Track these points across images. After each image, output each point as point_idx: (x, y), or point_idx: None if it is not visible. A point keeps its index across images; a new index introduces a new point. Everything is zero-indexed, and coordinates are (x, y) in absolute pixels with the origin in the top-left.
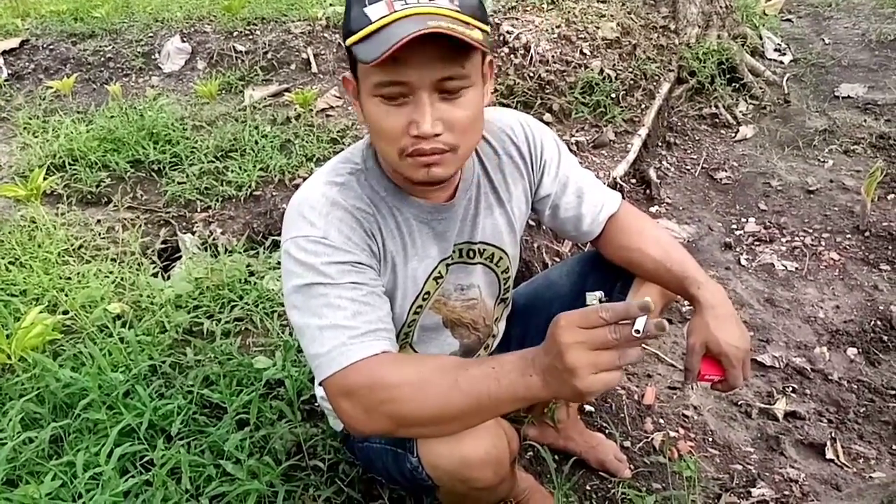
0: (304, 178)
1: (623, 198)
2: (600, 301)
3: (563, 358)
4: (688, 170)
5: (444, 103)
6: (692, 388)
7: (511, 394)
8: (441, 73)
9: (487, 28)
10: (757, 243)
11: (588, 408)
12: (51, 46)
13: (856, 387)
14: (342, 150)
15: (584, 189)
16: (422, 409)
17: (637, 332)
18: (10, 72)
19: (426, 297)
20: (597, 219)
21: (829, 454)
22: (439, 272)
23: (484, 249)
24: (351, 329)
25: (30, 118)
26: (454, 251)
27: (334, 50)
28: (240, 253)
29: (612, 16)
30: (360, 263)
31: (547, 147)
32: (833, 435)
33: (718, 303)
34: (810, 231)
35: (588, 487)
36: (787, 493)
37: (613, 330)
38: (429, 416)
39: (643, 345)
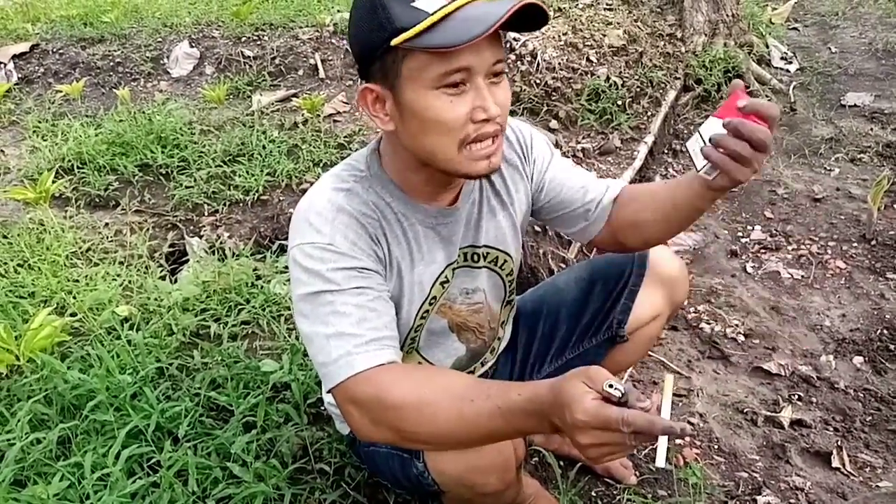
0: (311, 183)
1: None
2: (619, 398)
3: (578, 447)
4: None
5: (493, 87)
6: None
7: (519, 431)
8: (495, 55)
9: None
10: (763, 251)
11: None
12: (60, 51)
13: (862, 395)
14: (349, 155)
15: (586, 181)
16: (426, 432)
17: (660, 467)
18: (20, 76)
19: (433, 301)
20: (602, 202)
21: (836, 463)
22: (445, 277)
23: (488, 253)
24: (356, 337)
25: (39, 122)
26: (459, 255)
27: (342, 56)
28: (247, 257)
29: (618, 23)
30: (365, 269)
31: (537, 146)
32: (839, 443)
33: None
34: (816, 239)
35: (593, 493)
36: (792, 501)
37: (632, 438)
38: (433, 440)
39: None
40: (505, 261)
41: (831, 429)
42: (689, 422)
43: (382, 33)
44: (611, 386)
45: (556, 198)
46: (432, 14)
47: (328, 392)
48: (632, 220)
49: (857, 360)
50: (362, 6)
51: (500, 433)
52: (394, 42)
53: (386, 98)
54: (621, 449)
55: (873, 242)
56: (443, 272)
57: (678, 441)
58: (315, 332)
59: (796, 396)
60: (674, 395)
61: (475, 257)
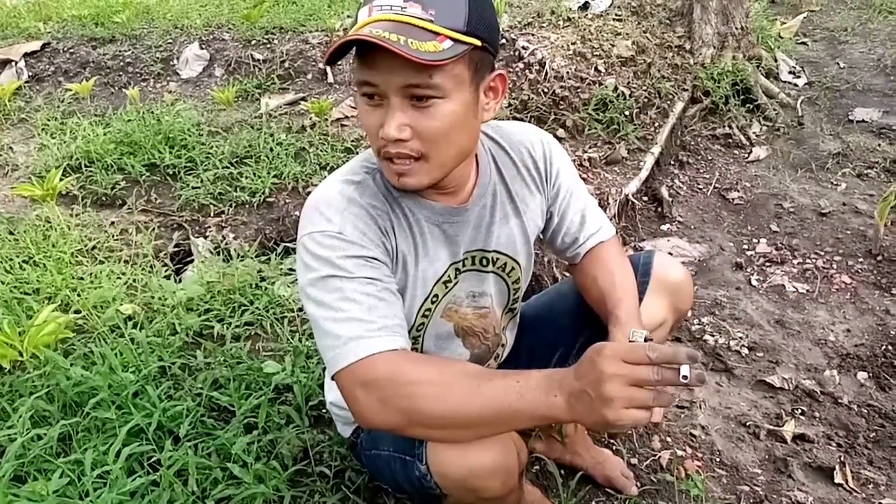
0: (318, 186)
1: (635, 215)
2: (645, 340)
3: (600, 386)
4: (700, 189)
5: (415, 110)
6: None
7: (531, 410)
8: (403, 80)
9: (473, 41)
10: (768, 264)
11: None
12: (71, 50)
13: (866, 411)
14: None
15: (586, 216)
16: (440, 409)
17: (685, 377)
18: (30, 74)
19: (434, 299)
20: (586, 244)
21: (838, 478)
22: (448, 276)
23: (497, 258)
24: (367, 323)
25: (48, 120)
26: (467, 258)
27: (351, 61)
28: (252, 258)
29: (627, 34)
30: (374, 259)
31: (563, 170)
32: (842, 459)
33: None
34: (822, 254)
35: (594, 503)
36: None
37: (656, 371)
38: (445, 417)
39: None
40: (513, 268)
41: (834, 444)
42: (690, 434)
43: None
44: (634, 331)
45: (560, 223)
46: (357, 24)
47: (333, 377)
48: (582, 283)
49: (862, 375)
50: None
51: (512, 412)
52: None
53: None
54: (643, 395)
55: (879, 258)
56: (446, 271)
57: (679, 453)
58: (323, 316)
59: (799, 411)
60: (677, 406)
61: (484, 261)
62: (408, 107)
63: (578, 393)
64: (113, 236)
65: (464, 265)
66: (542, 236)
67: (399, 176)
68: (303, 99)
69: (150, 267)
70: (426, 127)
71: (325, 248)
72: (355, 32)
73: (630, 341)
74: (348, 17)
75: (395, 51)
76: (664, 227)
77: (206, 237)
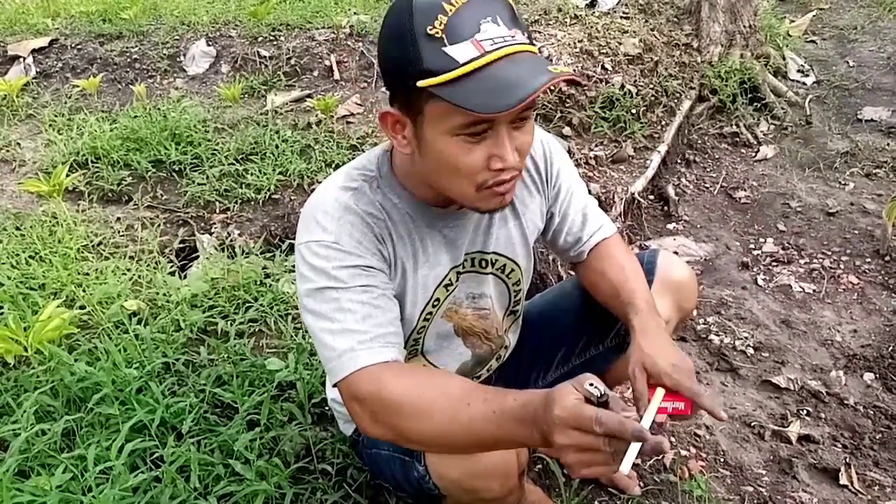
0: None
1: (641, 213)
2: (598, 398)
3: (558, 453)
4: (707, 188)
5: (515, 132)
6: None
7: (510, 439)
8: (525, 105)
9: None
10: (774, 264)
11: None
12: (79, 46)
13: (872, 412)
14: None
15: (588, 215)
16: (422, 431)
17: (626, 465)
18: (38, 70)
19: (436, 303)
20: (590, 241)
21: (843, 480)
22: (449, 280)
23: (496, 260)
24: (360, 333)
25: (55, 116)
26: (466, 260)
27: (357, 58)
28: (256, 255)
29: (634, 32)
30: (370, 267)
31: (563, 171)
32: (847, 461)
33: (651, 328)
34: (829, 253)
35: (597, 503)
36: None
37: (607, 443)
38: (429, 441)
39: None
40: (512, 269)
41: (840, 445)
42: (695, 434)
43: (410, 69)
44: (591, 385)
45: (561, 223)
46: (462, 65)
47: (334, 386)
48: (590, 281)
49: (868, 376)
50: (393, 32)
51: (494, 439)
52: (420, 84)
53: (406, 124)
54: (599, 458)
55: (887, 258)
56: (447, 275)
57: (683, 453)
58: (320, 328)
59: (805, 411)
60: (670, 415)
61: (483, 263)
62: (511, 130)
63: (547, 437)
64: (118, 232)
65: (463, 267)
66: (543, 237)
67: (503, 196)
68: (309, 96)
69: (155, 263)
70: (524, 143)
71: (320, 259)
72: (482, 69)
73: (585, 392)
74: (354, 13)
75: (578, 80)
76: (670, 226)
77: (211, 234)
